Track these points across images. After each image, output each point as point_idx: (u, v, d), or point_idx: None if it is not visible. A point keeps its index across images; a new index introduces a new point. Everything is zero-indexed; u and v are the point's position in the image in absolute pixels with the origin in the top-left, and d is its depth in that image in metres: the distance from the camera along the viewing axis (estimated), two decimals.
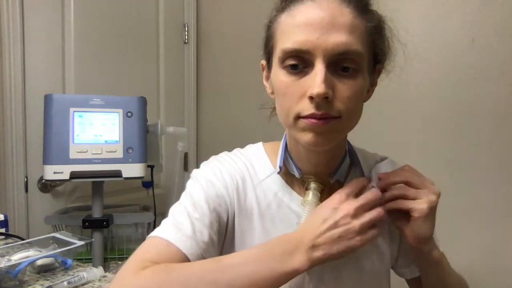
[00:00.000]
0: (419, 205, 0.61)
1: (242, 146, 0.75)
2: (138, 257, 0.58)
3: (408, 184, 0.63)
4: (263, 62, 0.67)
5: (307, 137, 0.57)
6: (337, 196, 0.59)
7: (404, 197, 0.62)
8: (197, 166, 0.71)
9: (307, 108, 0.55)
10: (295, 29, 0.56)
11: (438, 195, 0.62)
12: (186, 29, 1.94)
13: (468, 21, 1.24)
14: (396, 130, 1.34)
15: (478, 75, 1.23)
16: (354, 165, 0.70)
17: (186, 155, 1.83)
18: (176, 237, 0.59)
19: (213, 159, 0.72)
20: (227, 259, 0.56)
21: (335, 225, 0.56)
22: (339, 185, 0.68)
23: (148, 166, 1.34)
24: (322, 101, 0.54)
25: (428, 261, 0.66)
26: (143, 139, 1.27)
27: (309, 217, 0.60)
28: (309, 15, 0.55)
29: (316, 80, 0.54)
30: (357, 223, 0.56)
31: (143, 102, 1.29)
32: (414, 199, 0.61)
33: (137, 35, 1.73)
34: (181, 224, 0.61)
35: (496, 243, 1.22)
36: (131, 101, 1.27)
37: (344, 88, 0.56)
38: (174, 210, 0.64)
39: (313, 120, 0.55)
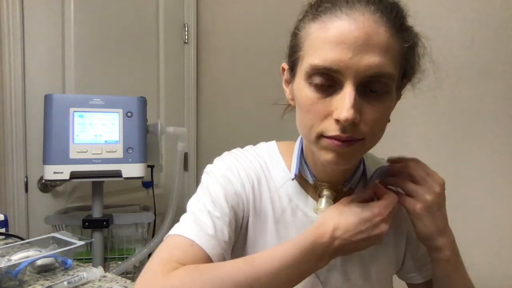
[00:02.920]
0: (413, 205, 0.61)
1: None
2: (164, 257, 0.56)
3: (410, 176, 0.63)
4: (284, 65, 0.64)
5: (328, 156, 0.56)
6: (378, 210, 0.58)
7: (403, 191, 0.63)
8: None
9: (332, 129, 0.54)
10: (327, 45, 0.52)
11: (437, 195, 0.61)
12: (186, 29, 1.94)
13: (468, 21, 1.24)
14: (395, 130, 1.34)
15: (478, 75, 1.23)
16: (365, 173, 0.69)
17: (186, 155, 1.83)
18: (199, 235, 0.58)
19: (227, 155, 0.70)
20: (261, 261, 0.54)
21: (368, 238, 0.57)
22: (351, 192, 0.68)
23: (148, 166, 1.34)
24: (349, 125, 0.52)
25: (435, 257, 0.65)
26: (143, 139, 1.27)
27: (339, 215, 0.58)
28: (343, 32, 0.51)
29: (345, 103, 0.51)
30: (379, 241, 0.59)
31: (143, 102, 1.29)
32: (411, 195, 0.62)
33: (137, 35, 1.73)
34: (203, 222, 0.60)
35: (497, 243, 1.22)
36: (131, 101, 1.27)
37: (372, 111, 0.54)
38: (194, 207, 0.63)
39: (337, 142, 0.54)
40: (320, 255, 0.56)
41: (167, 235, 0.61)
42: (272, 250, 0.56)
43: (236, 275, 0.52)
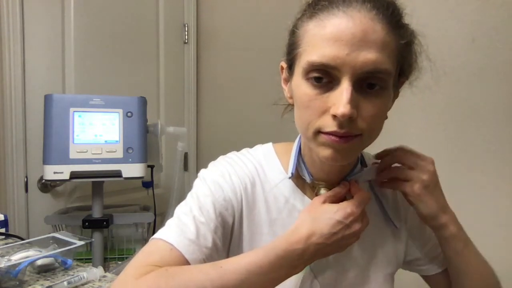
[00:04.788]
0: (411, 187, 0.63)
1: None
2: (141, 261, 0.57)
3: (401, 164, 0.65)
4: (283, 64, 0.65)
5: (326, 152, 0.56)
6: (351, 210, 0.58)
7: (398, 179, 0.65)
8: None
9: (330, 125, 0.54)
10: (324, 42, 0.53)
11: (432, 173, 0.63)
12: (186, 29, 1.94)
13: (468, 21, 1.24)
14: (395, 130, 1.34)
15: (478, 75, 1.23)
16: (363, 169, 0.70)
17: (186, 155, 1.83)
18: (179, 240, 0.58)
19: (221, 160, 0.70)
20: (228, 267, 0.54)
21: (342, 239, 0.57)
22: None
23: (148, 166, 1.34)
24: (346, 120, 0.53)
25: (442, 235, 0.66)
26: (143, 139, 1.27)
27: (313, 220, 0.57)
28: (340, 29, 0.52)
29: (341, 99, 0.52)
30: (356, 238, 0.59)
31: (143, 102, 1.29)
32: (406, 179, 0.64)
33: (137, 35, 1.73)
34: (186, 226, 0.60)
35: (498, 241, 1.22)
36: (131, 101, 1.27)
37: (369, 107, 0.54)
38: (180, 211, 0.63)
39: (334, 138, 0.54)
40: (295, 262, 0.55)
41: (151, 238, 0.61)
42: (241, 256, 0.56)
43: (202, 280, 0.52)
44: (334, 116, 0.53)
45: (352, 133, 0.54)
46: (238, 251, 0.66)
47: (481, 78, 1.22)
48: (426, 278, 0.77)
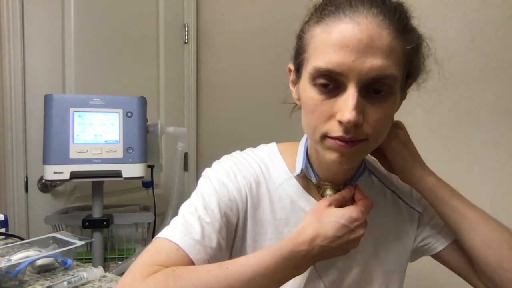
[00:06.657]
0: (387, 141, 0.65)
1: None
2: (147, 260, 0.57)
3: None
4: (291, 66, 0.65)
5: (332, 156, 0.57)
6: (356, 215, 0.58)
7: None
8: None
9: (336, 130, 0.55)
10: (330, 48, 0.53)
11: (404, 130, 0.68)
12: (186, 29, 1.94)
13: (468, 21, 1.24)
14: None
15: (478, 75, 1.23)
16: (368, 171, 0.71)
17: (186, 155, 1.83)
18: (185, 240, 0.58)
19: (226, 159, 0.70)
20: (234, 268, 0.54)
21: (347, 243, 0.57)
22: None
23: (148, 166, 1.34)
24: (352, 126, 0.53)
25: (425, 187, 0.67)
26: (143, 139, 1.27)
27: (318, 222, 0.58)
28: (346, 35, 0.52)
29: (347, 105, 0.53)
30: (357, 244, 0.59)
31: (143, 102, 1.29)
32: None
33: (137, 35, 1.73)
34: (191, 226, 0.60)
35: None
36: (131, 101, 1.27)
37: (375, 112, 0.55)
38: (185, 210, 0.63)
39: (340, 143, 0.55)
40: (299, 263, 0.56)
41: (156, 237, 0.61)
42: (247, 257, 0.56)
43: (209, 280, 0.52)
44: (340, 122, 0.54)
45: (358, 138, 0.55)
46: (241, 250, 0.66)
47: (481, 78, 1.22)
48: (439, 257, 0.73)
